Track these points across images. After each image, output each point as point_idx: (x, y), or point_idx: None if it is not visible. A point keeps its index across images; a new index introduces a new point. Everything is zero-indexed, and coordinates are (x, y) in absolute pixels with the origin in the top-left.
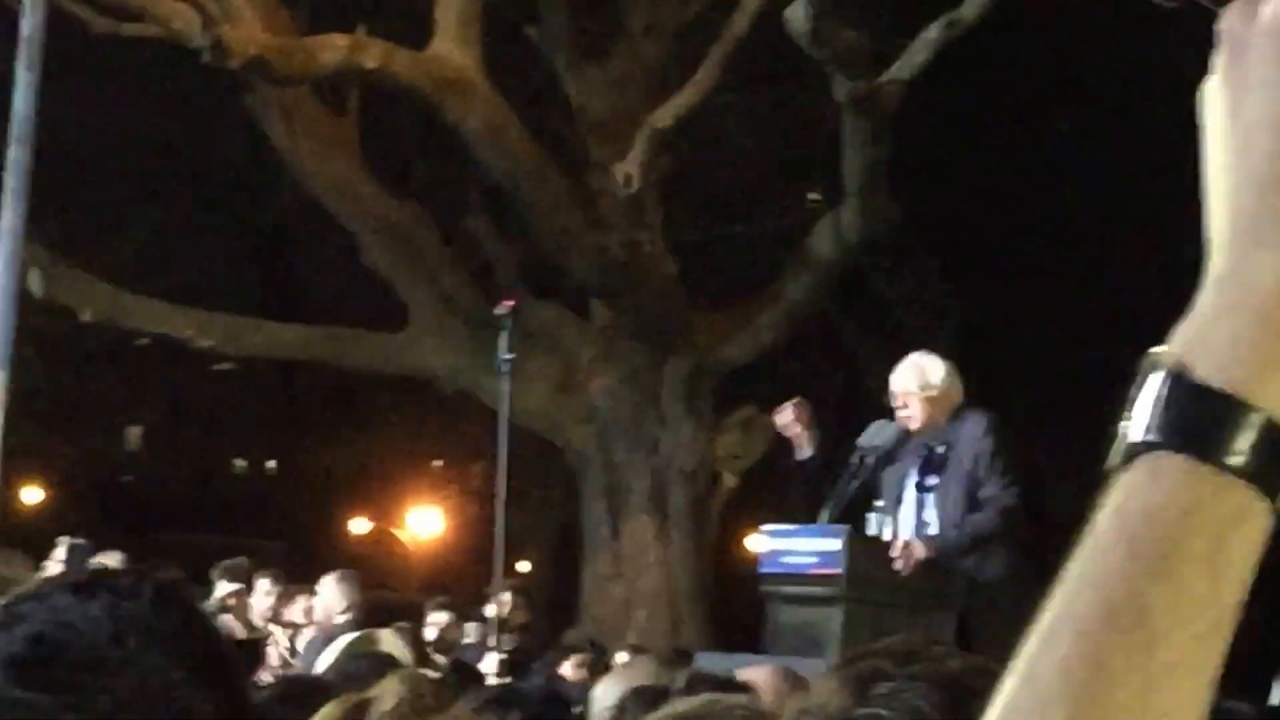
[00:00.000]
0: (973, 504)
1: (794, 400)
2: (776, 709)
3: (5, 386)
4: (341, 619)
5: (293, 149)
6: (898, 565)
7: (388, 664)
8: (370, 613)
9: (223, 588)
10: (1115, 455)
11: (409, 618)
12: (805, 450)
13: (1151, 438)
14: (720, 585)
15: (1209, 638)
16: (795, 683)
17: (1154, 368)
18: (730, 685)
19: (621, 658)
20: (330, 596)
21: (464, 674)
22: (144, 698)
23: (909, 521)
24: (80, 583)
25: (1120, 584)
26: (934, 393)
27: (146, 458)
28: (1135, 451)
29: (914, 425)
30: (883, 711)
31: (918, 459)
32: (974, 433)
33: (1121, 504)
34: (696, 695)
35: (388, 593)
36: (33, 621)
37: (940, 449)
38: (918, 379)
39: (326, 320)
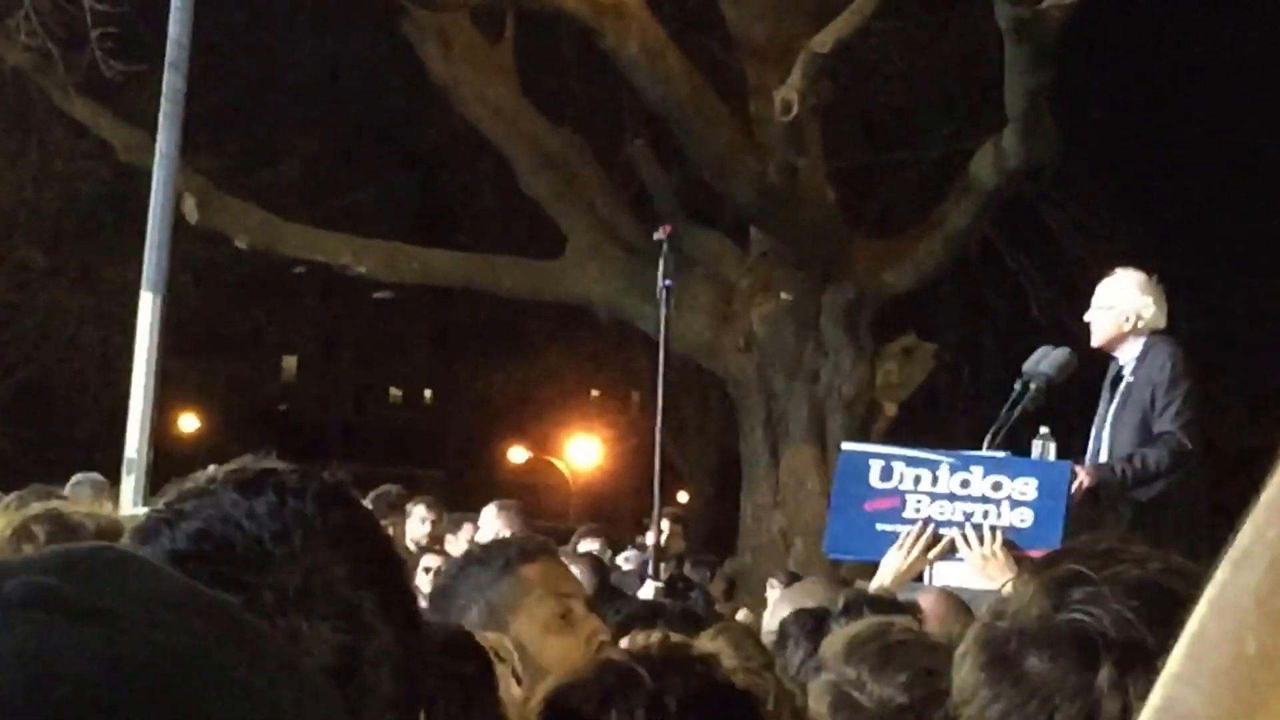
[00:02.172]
0: (1145, 436)
1: None
2: (940, 634)
3: (160, 312)
4: None
5: (450, 75)
6: None
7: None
8: None
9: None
10: None
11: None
12: None
13: None
14: None
15: None
16: (959, 608)
17: None
18: (893, 606)
19: (772, 589)
20: (492, 527)
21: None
22: (307, 594)
23: (1093, 446)
24: (246, 480)
25: None
26: (1113, 314)
27: (302, 386)
28: None
29: (1093, 340)
30: (1084, 616)
31: (1109, 383)
32: (1155, 362)
33: None
34: (864, 617)
35: (544, 522)
36: (197, 518)
37: (1127, 377)
38: (1105, 294)
39: (483, 247)
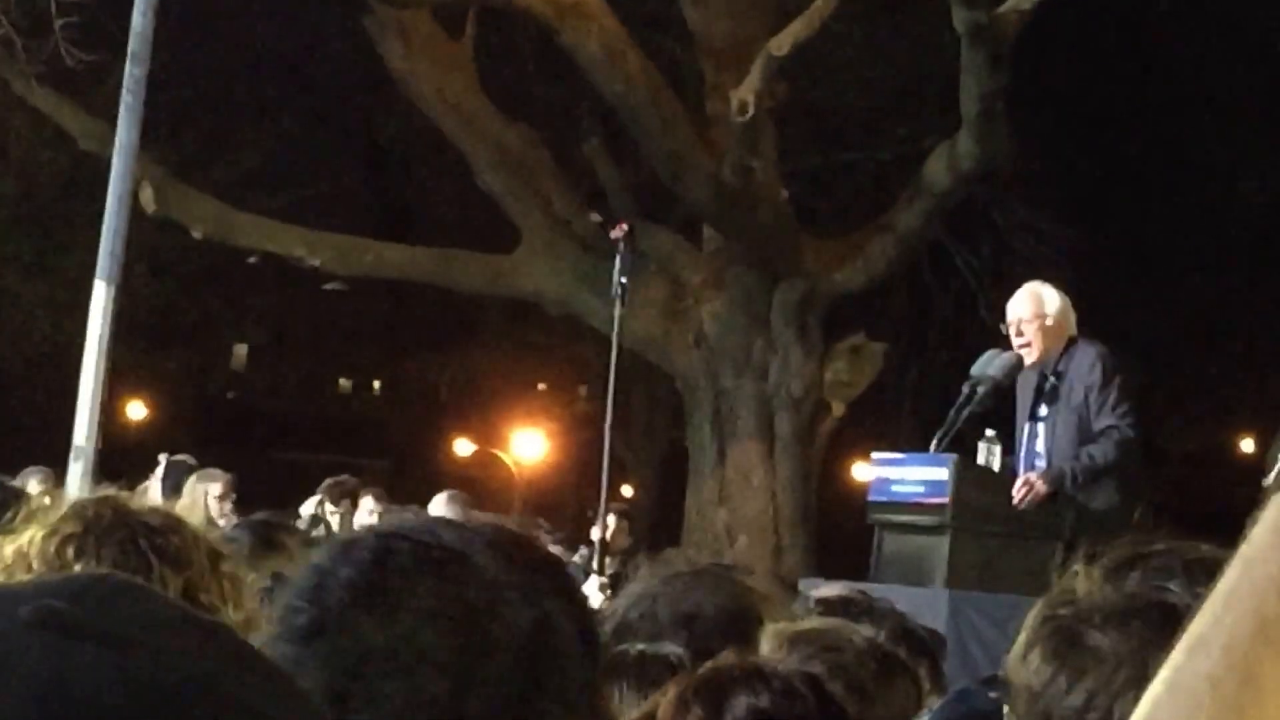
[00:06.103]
0: (1084, 436)
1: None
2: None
3: (113, 301)
4: None
5: (409, 70)
6: (1016, 500)
7: None
8: None
9: (311, 504)
10: (1273, 473)
11: None
12: None
13: None
14: (823, 513)
15: None
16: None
17: None
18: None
19: None
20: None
21: None
22: (496, 580)
23: (1022, 452)
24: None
25: (1274, 598)
26: (1049, 322)
27: (253, 376)
28: None
29: (1029, 355)
30: (1148, 590)
31: (1033, 389)
32: (1083, 364)
33: (1277, 521)
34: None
35: (490, 515)
36: (392, 526)
37: (1052, 379)
38: (1033, 307)
39: (437, 241)
